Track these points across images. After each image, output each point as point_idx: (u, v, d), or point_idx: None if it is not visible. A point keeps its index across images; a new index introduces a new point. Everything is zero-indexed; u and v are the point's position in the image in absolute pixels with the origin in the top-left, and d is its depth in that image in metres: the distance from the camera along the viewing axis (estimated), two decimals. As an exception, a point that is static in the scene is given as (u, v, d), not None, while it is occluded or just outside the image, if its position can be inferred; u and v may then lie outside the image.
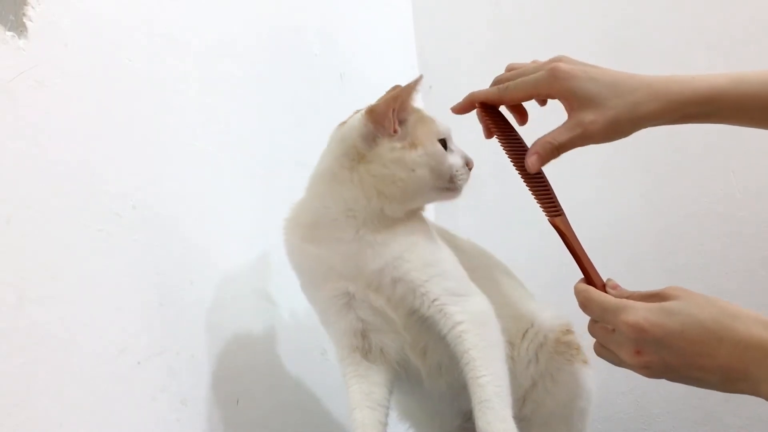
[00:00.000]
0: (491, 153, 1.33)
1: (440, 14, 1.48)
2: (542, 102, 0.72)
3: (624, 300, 0.58)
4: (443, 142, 0.74)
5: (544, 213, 0.66)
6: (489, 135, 0.72)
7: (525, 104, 0.73)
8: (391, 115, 0.70)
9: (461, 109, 0.72)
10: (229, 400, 0.84)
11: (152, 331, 0.75)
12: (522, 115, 0.74)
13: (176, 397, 0.76)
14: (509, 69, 0.72)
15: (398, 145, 0.71)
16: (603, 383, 1.09)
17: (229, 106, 0.95)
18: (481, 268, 0.81)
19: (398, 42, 1.46)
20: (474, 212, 1.38)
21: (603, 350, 0.60)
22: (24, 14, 0.65)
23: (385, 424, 0.74)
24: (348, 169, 0.71)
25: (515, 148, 0.70)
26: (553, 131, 0.65)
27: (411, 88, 0.70)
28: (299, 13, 1.14)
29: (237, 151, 0.95)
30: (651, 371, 0.56)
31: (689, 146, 1.15)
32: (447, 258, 0.75)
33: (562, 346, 0.78)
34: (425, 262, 0.72)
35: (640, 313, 0.54)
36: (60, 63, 0.69)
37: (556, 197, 0.68)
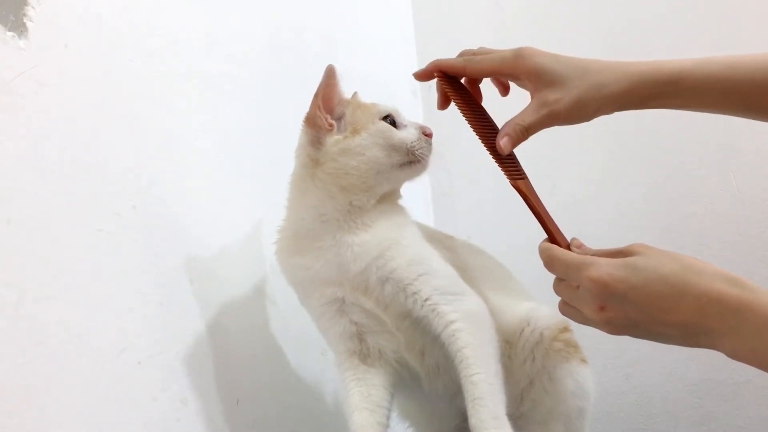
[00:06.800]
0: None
1: (440, 14, 1.48)
2: (504, 89, 0.72)
3: (588, 256, 0.58)
4: (390, 120, 0.75)
5: (506, 176, 0.66)
6: (444, 105, 0.72)
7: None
8: (319, 113, 0.73)
9: (423, 75, 0.72)
10: (229, 400, 0.84)
11: (152, 331, 0.75)
12: (478, 98, 0.73)
13: (176, 397, 0.76)
14: (480, 49, 0.72)
15: (340, 137, 0.73)
16: (602, 383, 1.09)
17: (229, 106, 0.95)
18: (478, 267, 0.81)
19: (398, 42, 1.46)
20: (474, 212, 1.38)
21: (568, 308, 0.60)
22: (24, 14, 0.65)
23: (386, 426, 0.74)
24: (309, 177, 0.74)
25: (478, 117, 0.69)
26: (521, 113, 0.65)
27: (325, 82, 0.73)
28: (299, 13, 1.14)
29: (237, 150, 0.95)
30: (614, 327, 0.56)
31: (689, 146, 1.15)
32: (433, 256, 0.75)
33: (559, 344, 0.78)
34: (410, 260, 0.72)
35: (603, 268, 0.54)
36: (60, 63, 0.69)
37: (518, 162, 0.68)
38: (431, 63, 0.71)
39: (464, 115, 0.69)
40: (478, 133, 0.68)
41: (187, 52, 0.88)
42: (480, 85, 0.73)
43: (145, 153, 0.78)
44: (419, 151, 0.74)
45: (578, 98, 0.63)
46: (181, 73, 0.86)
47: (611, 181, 1.22)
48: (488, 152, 0.67)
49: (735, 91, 0.61)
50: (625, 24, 1.23)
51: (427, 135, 0.76)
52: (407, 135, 0.74)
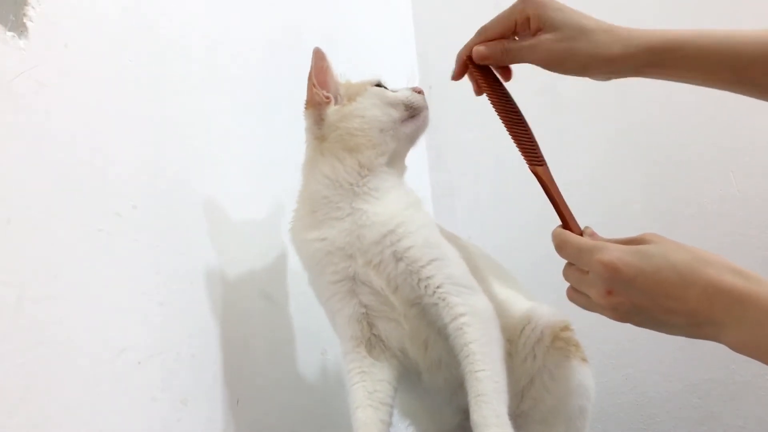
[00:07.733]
0: (491, 153, 1.34)
1: (440, 14, 1.48)
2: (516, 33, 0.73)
3: (600, 242, 0.59)
4: (381, 87, 0.81)
5: (526, 161, 0.66)
6: (479, 91, 0.73)
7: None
8: (315, 90, 0.79)
9: (457, 73, 0.74)
10: (229, 400, 0.84)
11: (152, 331, 0.75)
12: (506, 72, 0.74)
13: (176, 397, 0.76)
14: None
15: (339, 106, 0.79)
16: (603, 382, 1.09)
17: (229, 106, 0.95)
18: (479, 267, 0.81)
19: (398, 42, 1.46)
20: (474, 212, 1.38)
21: (575, 294, 0.61)
22: (24, 14, 0.65)
23: (389, 423, 0.74)
24: (319, 154, 0.78)
25: (503, 102, 0.70)
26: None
27: (316, 64, 0.79)
28: (299, 13, 1.14)
29: (237, 151, 0.95)
30: (619, 313, 0.56)
31: (689, 146, 1.15)
32: (446, 244, 0.76)
33: (560, 342, 0.78)
34: (425, 242, 0.73)
35: (615, 253, 0.55)
36: (60, 63, 0.69)
37: (539, 148, 0.68)
38: (456, 57, 0.72)
39: (489, 97, 0.70)
40: (501, 117, 0.68)
41: (187, 53, 0.88)
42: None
43: (145, 153, 0.78)
44: (415, 103, 0.80)
45: (568, 48, 0.64)
46: (180, 74, 0.86)
47: (611, 181, 1.22)
48: (510, 136, 0.67)
49: (728, 62, 0.62)
50: (626, 23, 1.23)
51: (418, 92, 0.81)
52: (400, 93, 0.80)
